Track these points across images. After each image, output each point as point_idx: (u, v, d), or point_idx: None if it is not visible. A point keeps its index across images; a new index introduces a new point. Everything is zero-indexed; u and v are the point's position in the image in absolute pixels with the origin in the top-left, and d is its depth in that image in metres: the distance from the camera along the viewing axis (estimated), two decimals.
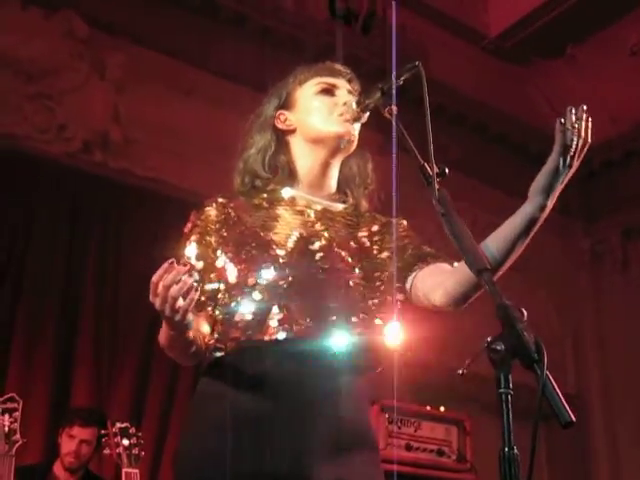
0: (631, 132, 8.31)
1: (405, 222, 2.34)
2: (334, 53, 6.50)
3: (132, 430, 4.38)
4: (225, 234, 2.19)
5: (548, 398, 1.47)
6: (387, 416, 5.05)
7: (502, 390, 1.54)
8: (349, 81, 2.35)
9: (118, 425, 4.40)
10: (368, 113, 2.23)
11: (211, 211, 2.24)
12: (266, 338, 2.04)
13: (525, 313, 1.58)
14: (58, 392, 5.54)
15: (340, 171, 2.35)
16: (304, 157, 2.31)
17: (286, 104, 2.36)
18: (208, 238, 2.19)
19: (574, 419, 1.46)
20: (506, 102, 8.30)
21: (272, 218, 2.24)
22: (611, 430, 8.37)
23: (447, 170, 1.86)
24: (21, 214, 5.78)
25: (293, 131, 2.33)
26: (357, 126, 2.27)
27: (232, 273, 2.12)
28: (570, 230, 8.94)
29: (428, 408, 5.41)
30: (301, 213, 2.26)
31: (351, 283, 2.16)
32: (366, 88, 2.30)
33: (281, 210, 2.25)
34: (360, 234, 2.29)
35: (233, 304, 2.08)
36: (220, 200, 2.26)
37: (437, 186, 1.84)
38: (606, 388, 8.51)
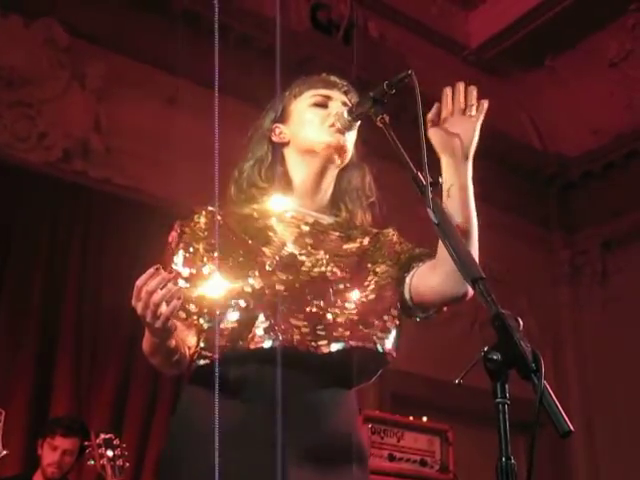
0: (611, 144, 8.34)
1: (395, 232, 2.33)
2: (316, 63, 6.50)
3: (116, 441, 4.34)
4: (213, 242, 2.16)
5: (546, 408, 1.47)
6: (370, 426, 5.05)
7: (499, 400, 1.54)
8: (345, 93, 2.35)
9: (102, 436, 4.36)
10: (359, 122, 2.22)
11: (200, 218, 2.22)
12: (252, 346, 2.01)
13: (521, 323, 1.58)
14: (38, 402, 5.49)
15: (337, 185, 2.34)
16: (298, 169, 2.30)
17: (282, 117, 2.36)
18: (196, 245, 2.16)
19: (572, 428, 1.45)
20: (486, 113, 8.33)
21: (262, 229, 2.22)
22: (590, 441, 8.38)
23: (441, 180, 1.86)
24: (0, 224, 5.73)
25: (287, 143, 2.33)
26: (349, 136, 2.26)
27: (218, 281, 2.08)
28: (550, 242, 8.98)
29: (411, 418, 5.40)
30: (291, 225, 2.24)
31: (339, 293, 2.13)
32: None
33: (271, 221, 2.24)
34: (350, 246, 2.27)
35: (219, 312, 2.04)
36: (210, 208, 2.24)
37: (431, 195, 1.83)
38: (585, 398, 8.53)
